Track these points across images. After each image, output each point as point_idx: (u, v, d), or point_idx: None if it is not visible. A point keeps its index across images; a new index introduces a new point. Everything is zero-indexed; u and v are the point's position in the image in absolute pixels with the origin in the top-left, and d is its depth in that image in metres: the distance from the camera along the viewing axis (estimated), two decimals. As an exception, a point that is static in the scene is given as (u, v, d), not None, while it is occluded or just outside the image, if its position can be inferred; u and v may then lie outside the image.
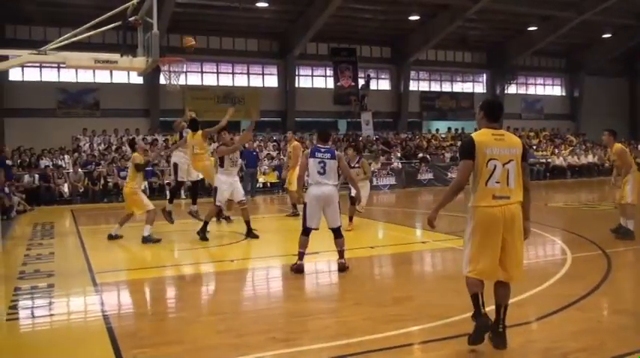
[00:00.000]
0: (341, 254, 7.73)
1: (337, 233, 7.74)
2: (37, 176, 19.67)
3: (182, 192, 19.76)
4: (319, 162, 7.57)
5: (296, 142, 14.34)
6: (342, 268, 7.63)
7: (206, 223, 10.40)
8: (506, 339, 4.64)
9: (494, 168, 4.53)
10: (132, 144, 11.91)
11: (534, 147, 30.73)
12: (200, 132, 11.25)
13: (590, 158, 30.09)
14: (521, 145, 4.67)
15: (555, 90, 38.35)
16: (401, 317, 5.55)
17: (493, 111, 4.75)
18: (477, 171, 4.57)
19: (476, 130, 4.84)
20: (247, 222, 10.47)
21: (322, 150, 7.67)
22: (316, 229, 7.66)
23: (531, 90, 37.50)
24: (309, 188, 7.69)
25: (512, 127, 32.41)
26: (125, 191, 10.75)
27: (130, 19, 8.64)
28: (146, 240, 10.24)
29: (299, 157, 13.19)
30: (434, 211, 4.83)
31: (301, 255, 7.61)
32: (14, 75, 24.10)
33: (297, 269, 7.55)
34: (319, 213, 7.63)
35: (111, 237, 10.66)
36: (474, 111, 35.59)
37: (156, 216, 10.55)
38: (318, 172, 7.57)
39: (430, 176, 25.11)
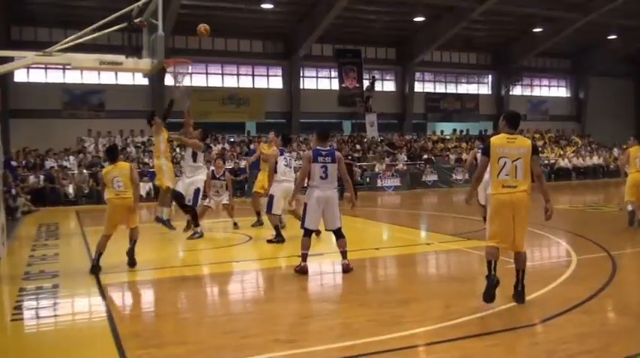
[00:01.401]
0: (344, 255, 7.72)
1: (338, 234, 7.76)
2: (42, 177, 19.77)
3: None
4: (321, 167, 7.57)
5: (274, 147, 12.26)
6: (346, 269, 7.62)
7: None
8: (525, 296, 5.85)
9: (505, 164, 5.76)
10: (150, 120, 10.95)
11: (539, 148, 30.66)
12: (123, 163, 8.35)
13: (595, 159, 30.01)
14: (530, 145, 5.88)
15: (560, 91, 38.24)
16: (405, 319, 5.54)
17: (513, 120, 6.04)
18: (492, 166, 5.83)
19: (486, 131, 5.70)
20: (276, 227, 10.28)
21: (323, 153, 7.64)
22: (314, 230, 7.66)
23: (536, 92, 37.39)
24: (310, 190, 7.69)
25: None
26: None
27: (136, 20, 8.66)
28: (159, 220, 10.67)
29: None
30: (470, 194, 6.40)
31: (304, 257, 7.61)
32: (20, 76, 24.18)
33: (301, 271, 7.55)
34: (319, 215, 7.65)
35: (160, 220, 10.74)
36: (479, 112, 35.73)
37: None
38: (321, 177, 7.57)
39: (435, 177, 25.09)
